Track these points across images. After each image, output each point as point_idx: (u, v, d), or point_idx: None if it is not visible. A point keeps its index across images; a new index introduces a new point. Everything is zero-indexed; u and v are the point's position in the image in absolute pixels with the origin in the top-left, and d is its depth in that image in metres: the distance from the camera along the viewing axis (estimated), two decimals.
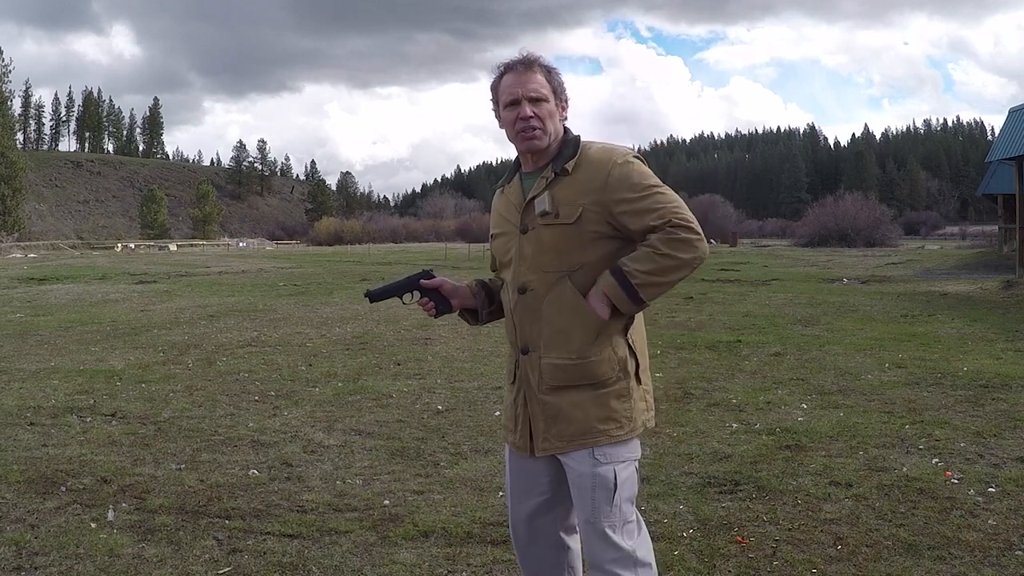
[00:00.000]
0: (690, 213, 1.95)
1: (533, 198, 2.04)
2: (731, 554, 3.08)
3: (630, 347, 2.02)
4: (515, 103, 2.03)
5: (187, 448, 4.60)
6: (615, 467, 1.97)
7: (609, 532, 1.96)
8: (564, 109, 2.10)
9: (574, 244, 1.98)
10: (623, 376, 2.00)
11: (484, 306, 2.24)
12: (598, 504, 1.96)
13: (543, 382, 2.02)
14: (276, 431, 5.00)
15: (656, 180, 1.99)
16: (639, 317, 2.08)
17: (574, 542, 2.17)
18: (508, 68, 2.06)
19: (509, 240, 2.10)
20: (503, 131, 2.11)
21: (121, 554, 3.11)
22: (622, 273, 1.92)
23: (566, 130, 2.10)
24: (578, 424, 1.98)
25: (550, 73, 2.06)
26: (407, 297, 2.25)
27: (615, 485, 1.96)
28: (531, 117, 2.01)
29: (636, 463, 2.05)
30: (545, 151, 2.06)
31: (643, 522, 2.07)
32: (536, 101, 2.02)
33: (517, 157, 2.16)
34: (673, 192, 1.98)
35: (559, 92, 2.08)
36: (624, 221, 1.96)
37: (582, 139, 2.09)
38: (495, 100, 2.10)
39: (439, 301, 2.22)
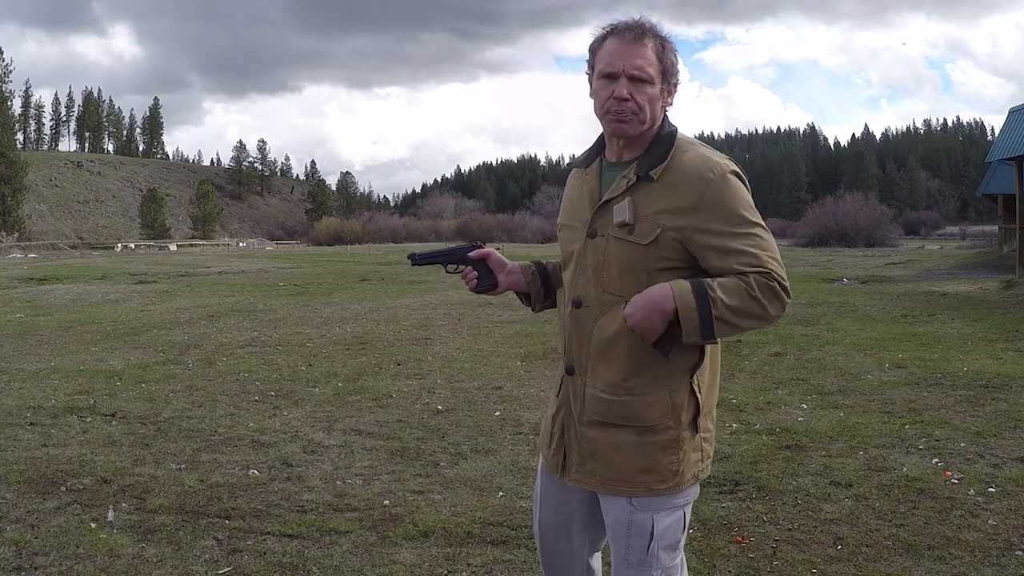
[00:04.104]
0: (782, 266, 1.68)
1: (610, 200, 1.75)
2: (731, 554, 3.08)
3: (693, 391, 1.73)
4: (613, 77, 1.70)
5: (187, 448, 4.60)
6: (654, 515, 1.75)
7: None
8: (671, 94, 1.76)
9: (641, 268, 1.69)
10: (674, 425, 1.72)
11: (540, 299, 2.02)
12: (632, 551, 1.77)
13: (584, 412, 1.79)
14: (276, 431, 5.00)
15: (754, 211, 1.69)
16: (713, 351, 1.78)
17: (596, 562, 2.01)
18: (614, 31, 1.72)
19: (573, 239, 1.83)
20: (592, 100, 1.78)
21: (121, 554, 3.11)
22: (707, 296, 1.60)
23: (664, 119, 1.77)
24: (616, 468, 1.75)
25: (664, 49, 1.71)
26: (451, 267, 2.06)
27: (652, 534, 1.75)
28: (627, 100, 1.68)
29: (687, 508, 1.81)
30: (636, 140, 1.74)
31: (685, 565, 1.89)
32: (639, 82, 1.68)
33: (600, 137, 1.85)
34: (769, 232, 1.69)
35: (669, 74, 1.73)
36: (705, 255, 1.66)
37: (678, 136, 1.76)
38: (591, 64, 1.77)
39: (484, 274, 1.99)
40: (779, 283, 1.65)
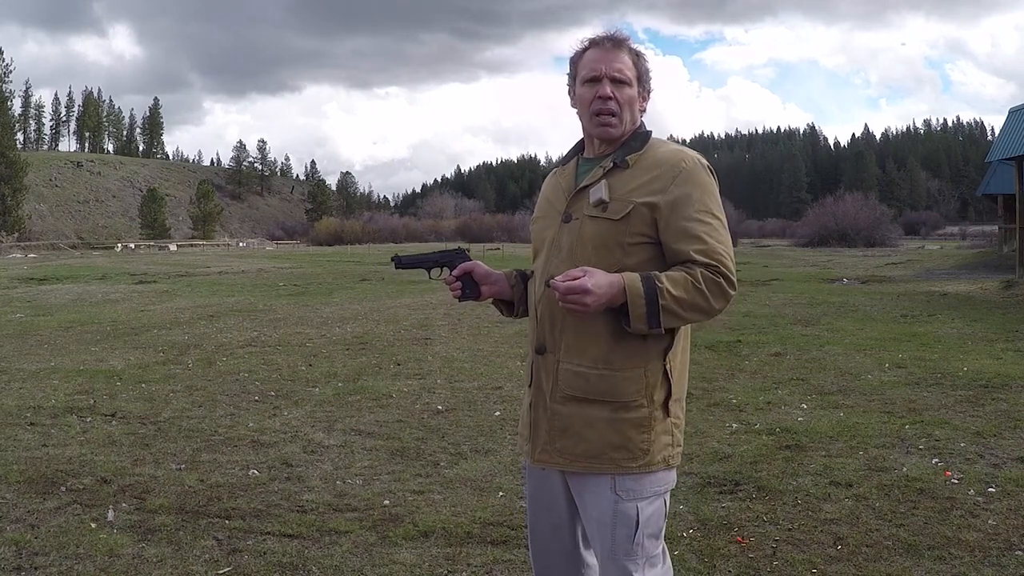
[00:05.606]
0: (732, 260, 1.79)
1: (586, 186, 1.86)
2: (731, 554, 3.08)
3: (666, 372, 1.81)
4: (595, 80, 1.85)
5: (187, 448, 4.60)
6: (638, 504, 1.80)
7: (629, 567, 1.81)
8: (645, 99, 1.92)
9: (614, 243, 1.79)
10: (646, 403, 1.79)
11: (521, 300, 2.08)
12: (618, 541, 1.80)
13: (557, 389, 1.83)
14: (276, 431, 5.00)
15: (718, 205, 1.82)
16: (684, 340, 1.88)
17: (592, 557, 1.99)
18: (593, 43, 1.89)
19: (547, 227, 1.93)
20: (574, 110, 1.94)
21: (121, 554, 3.11)
22: (654, 286, 1.70)
23: (641, 123, 1.92)
24: (587, 445, 1.80)
25: (638, 57, 1.89)
26: (435, 272, 2.10)
27: (637, 523, 1.79)
28: (610, 99, 1.83)
29: (666, 496, 1.87)
30: (616, 140, 1.89)
31: (667, 554, 1.92)
32: (619, 83, 1.84)
33: (579, 141, 1.99)
34: (727, 228, 1.81)
35: (644, 79, 1.90)
36: (665, 231, 1.77)
37: (653, 134, 1.92)
38: (572, 75, 1.92)
39: (468, 285, 2.03)
40: (725, 277, 1.75)
